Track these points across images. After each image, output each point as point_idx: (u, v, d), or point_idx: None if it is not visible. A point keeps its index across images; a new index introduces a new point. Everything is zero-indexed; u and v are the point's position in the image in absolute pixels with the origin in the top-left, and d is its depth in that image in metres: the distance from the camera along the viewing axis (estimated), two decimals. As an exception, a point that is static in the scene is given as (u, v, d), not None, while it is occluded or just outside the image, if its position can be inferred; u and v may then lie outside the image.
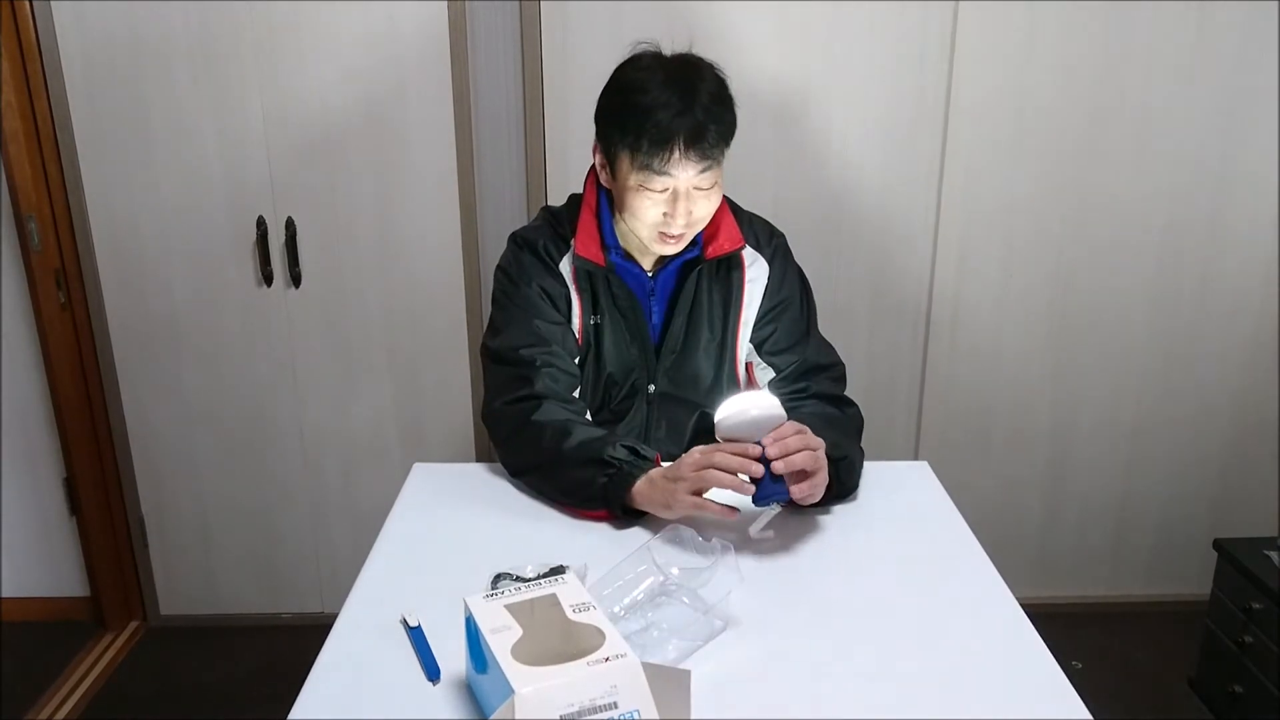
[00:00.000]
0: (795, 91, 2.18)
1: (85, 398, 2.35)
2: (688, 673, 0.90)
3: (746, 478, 1.22)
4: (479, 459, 2.40)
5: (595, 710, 0.85)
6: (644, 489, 1.28)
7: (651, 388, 1.53)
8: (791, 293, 1.55)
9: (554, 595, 0.97)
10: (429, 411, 2.38)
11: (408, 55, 2.13)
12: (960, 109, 2.19)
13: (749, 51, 2.14)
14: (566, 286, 1.49)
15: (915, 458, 2.42)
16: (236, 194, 2.22)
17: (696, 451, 1.26)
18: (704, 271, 1.49)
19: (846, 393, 1.55)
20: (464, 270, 2.27)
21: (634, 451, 1.33)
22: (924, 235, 2.29)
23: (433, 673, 1.02)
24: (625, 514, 1.32)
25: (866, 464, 1.45)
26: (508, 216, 2.24)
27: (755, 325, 1.54)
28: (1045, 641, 1.09)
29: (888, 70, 2.17)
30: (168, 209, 2.22)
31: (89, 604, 2.53)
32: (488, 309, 2.31)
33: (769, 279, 1.53)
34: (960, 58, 2.16)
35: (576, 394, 1.48)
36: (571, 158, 2.21)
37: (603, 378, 1.52)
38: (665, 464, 1.32)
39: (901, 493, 1.44)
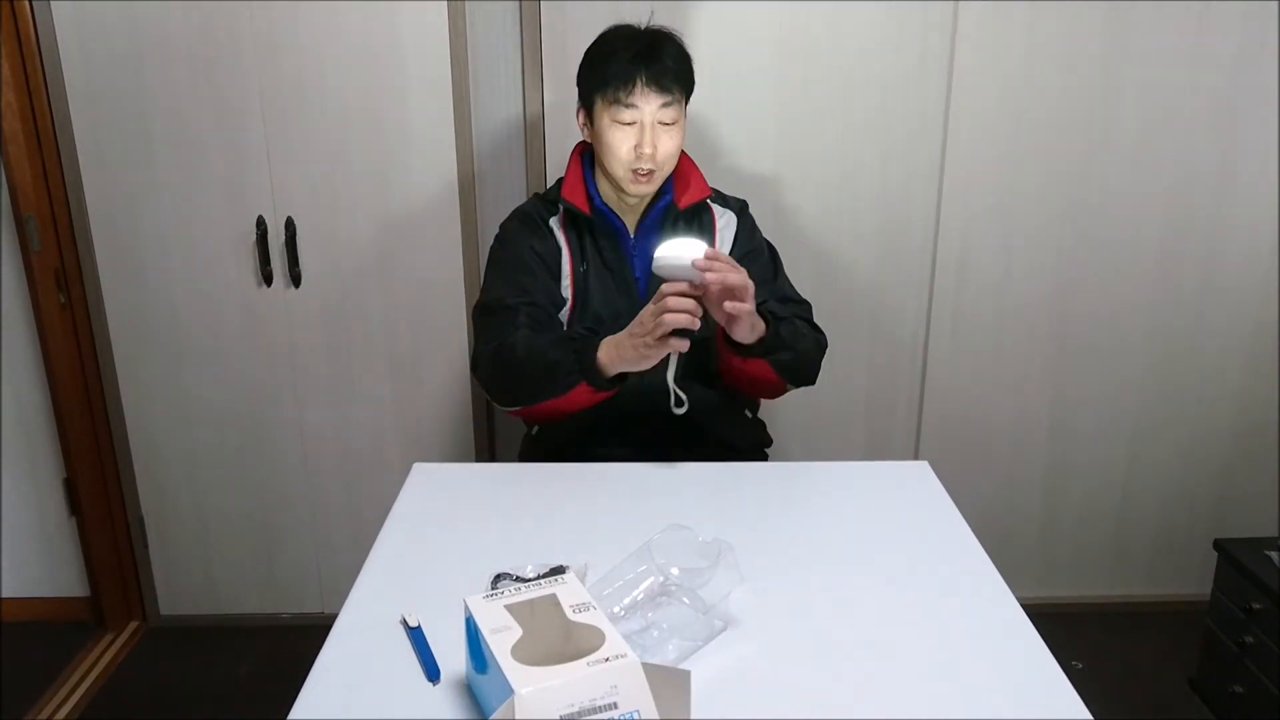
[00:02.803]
0: (795, 92, 2.18)
1: (85, 398, 2.35)
2: (688, 673, 0.90)
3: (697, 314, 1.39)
4: (479, 459, 2.40)
5: (595, 710, 0.85)
6: (610, 351, 1.46)
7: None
8: (759, 245, 1.75)
9: (554, 595, 0.97)
10: (429, 411, 2.38)
11: (408, 55, 2.13)
12: (960, 109, 2.19)
13: (748, 52, 2.14)
14: (556, 240, 1.68)
15: (915, 458, 2.42)
16: (236, 194, 2.22)
17: (649, 306, 1.42)
18: (680, 220, 1.69)
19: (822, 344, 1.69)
20: (464, 270, 2.27)
21: (592, 330, 1.53)
22: (924, 236, 2.29)
23: (433, 673, 1.02)
24: (605, 383, 1.48)
25: (866, 464, 1.46)
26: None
27: None
28: (1045, 641, 1.09)
29: (888, 70, 2.17)
30: (168, 209, 2.22)
31: (89, 604, 2.53)
32: (488, 309, 2.33)
33: (738, 229, 1.74)
34: (960, 58, 2.16)
35: None
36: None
37: (588, 324, 1.63)
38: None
39: (901, 493, 1.44)
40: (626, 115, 1.56)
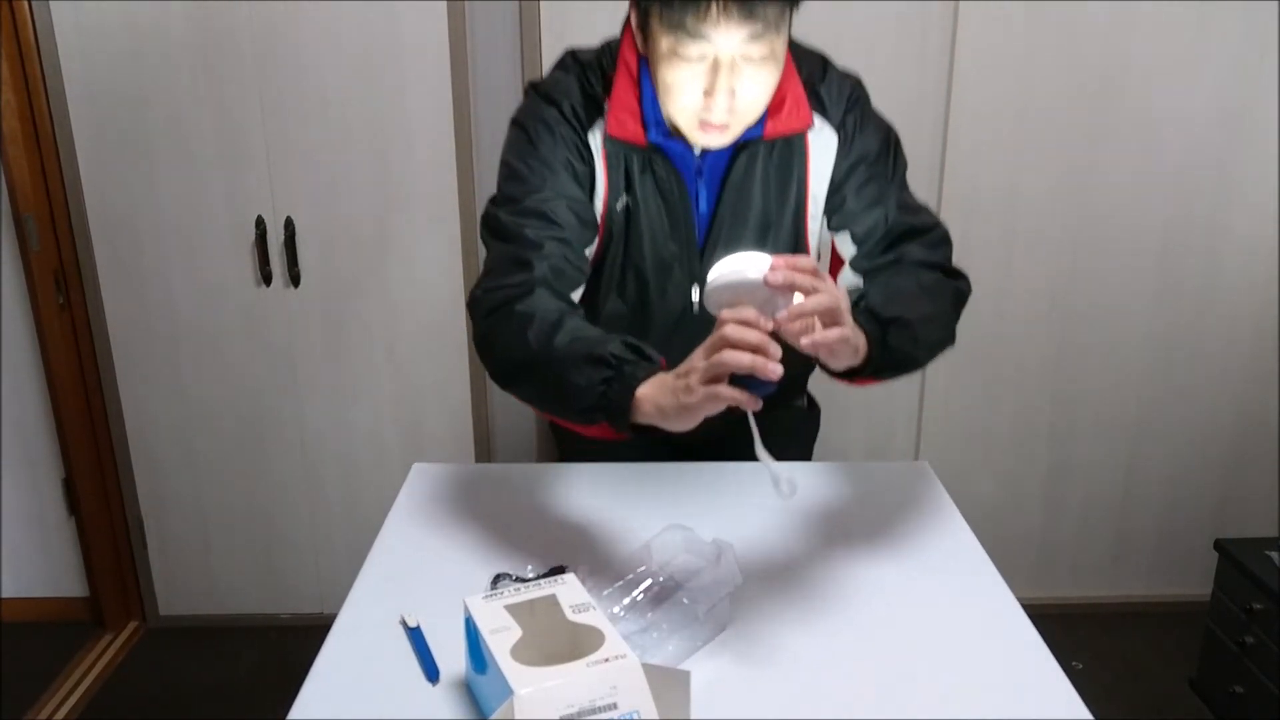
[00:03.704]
0: (795, 91, 2.18)
1: (85, 398, 2.35)
2: (688, 673, 0.90)
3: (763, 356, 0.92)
4: (479, 459, 2.40)
5: (595, 711, 0.85)
6: (651, 392, 1.00)
7: (696, 293, 1.28)
8: (867, 148, 1.28)
9: (554, 595, 0.97)
10: (429, 411, 2.38)
11: (408, 55, 2.13)
12: (960, 109, 2.19)
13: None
14: (592, 161, 1.25)
15: (915, 458, 2.42)
16: (236, 193, 2.22)
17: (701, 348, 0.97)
18: (760, 149, 1.25)
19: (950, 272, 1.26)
20: (464, 270, 2.27)
21: (637, 350, 1.05)
22: (924, 235, 2.29)
23: (432, 673, 1.02)
24: (628, 429, 1.05)
25: (866, 464, 1.45)
26: (507, 216, 2.24)
27: (826, 202, 1.29)
28: (1045, 641, 1.09)
29: (888, 70, 2.17)
30: (167, 209, 2.22)
31: (89, 604, 2.52)
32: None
33: (838, 144, 1.28)
34: (960, 58, 2.16)
35: (577, 297, 1.22)
36: (571, 158, 2.21)
37: (628, 276, 1.28)
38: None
39: (901, 493, 1.44)
40: (693, 49, 1.09)
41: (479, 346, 1.21)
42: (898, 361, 1.12)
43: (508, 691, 0.84)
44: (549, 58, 2.15)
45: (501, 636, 0.90)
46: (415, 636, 1.07)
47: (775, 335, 0.95)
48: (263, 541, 2.48)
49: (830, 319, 0.97)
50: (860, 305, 1.11)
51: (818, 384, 1.51)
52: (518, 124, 1.29)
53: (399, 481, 1.47)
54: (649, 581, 1.10)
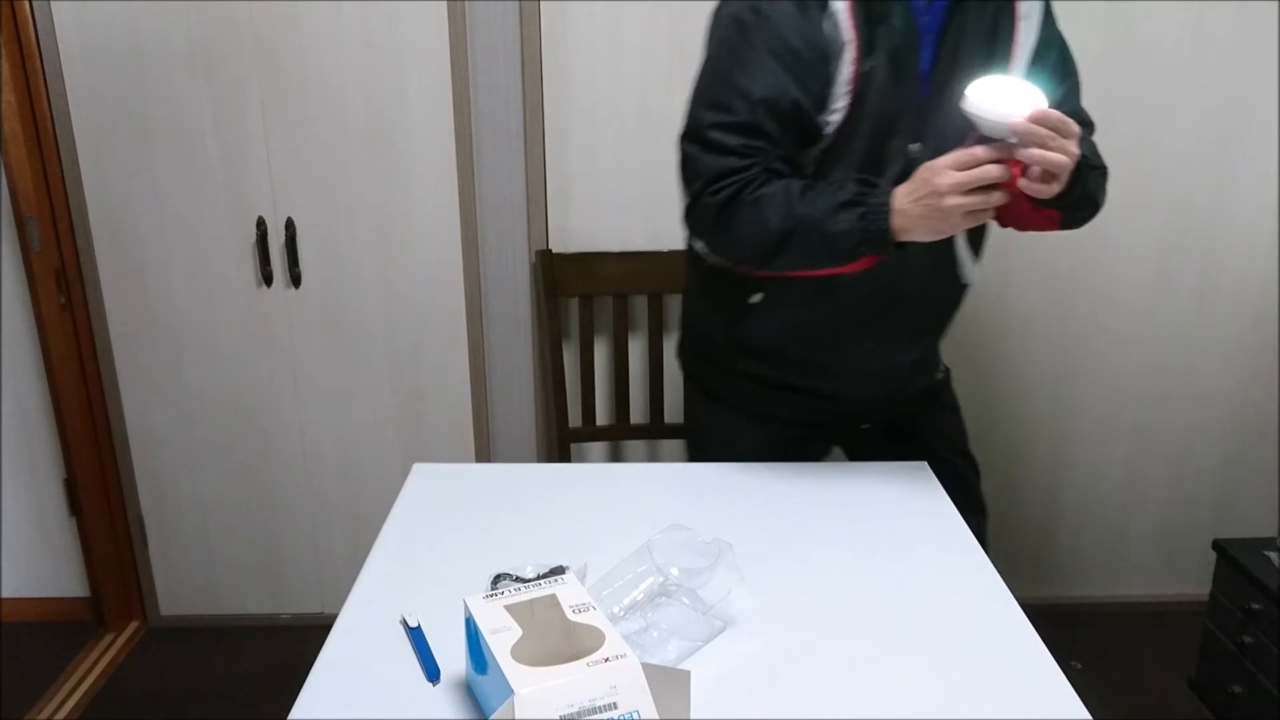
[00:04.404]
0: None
1: (85, 398, 2.35)
2: (688, 673, 0.90)
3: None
4: (479, 459, 2.40)
5: (595, 710, 0.85)
6: (906, 207, 1.17)
7: (915, 146, 1.30)
8: (1056, 31, 1.38)
9: (554, 595, 0.97)
10: (429, 411, 2.38)
11: (408, 55, 2.13)
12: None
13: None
14: (837, 23, 1.22)
15: (915, 458, 2.42)
16: (236, 194, 2.22)
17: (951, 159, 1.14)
18: (971, 7, 1.28)
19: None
20: (464, 270, 2.27)
21: (866, 183, 1.23)
22: (924, 235, 2.29)
23: (433, 673, 1.02)
24: (893, 250, 1.21)
25: (866, 464, 1.45)
26: (507, 216, 2.25)
27: (1028, 68, 1.34)
28: (1045, 641, 1.09)
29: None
30: (168, 209, 2.23)
31: (89, 604, 2.53)
32: (488, 309, 2.34)
33: (1041, 14, 1.34)
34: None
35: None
36: (571, 158, 2.21)
37: (859, 142, 1.28)
38: None
39: (901, 493, 1.44)
40: None
41: (720, 248, 1.34)
42: (1083, 206, 1.28)
43: (508, 691, 0.84)
44: (549, 58, 2.15)
45: (502, 636, 0.91)
46: (415, 636, 1.07)
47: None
48: (263, 541, 2.48)
49: (1063, 168, 1.12)
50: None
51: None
52: (732, 19, 1.26)
53: (399, 481, 1.47)
54: (649, 581, 1.10)
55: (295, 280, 2.28)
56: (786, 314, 1.42)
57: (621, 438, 2.33)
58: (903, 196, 1.18)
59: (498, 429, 2.42)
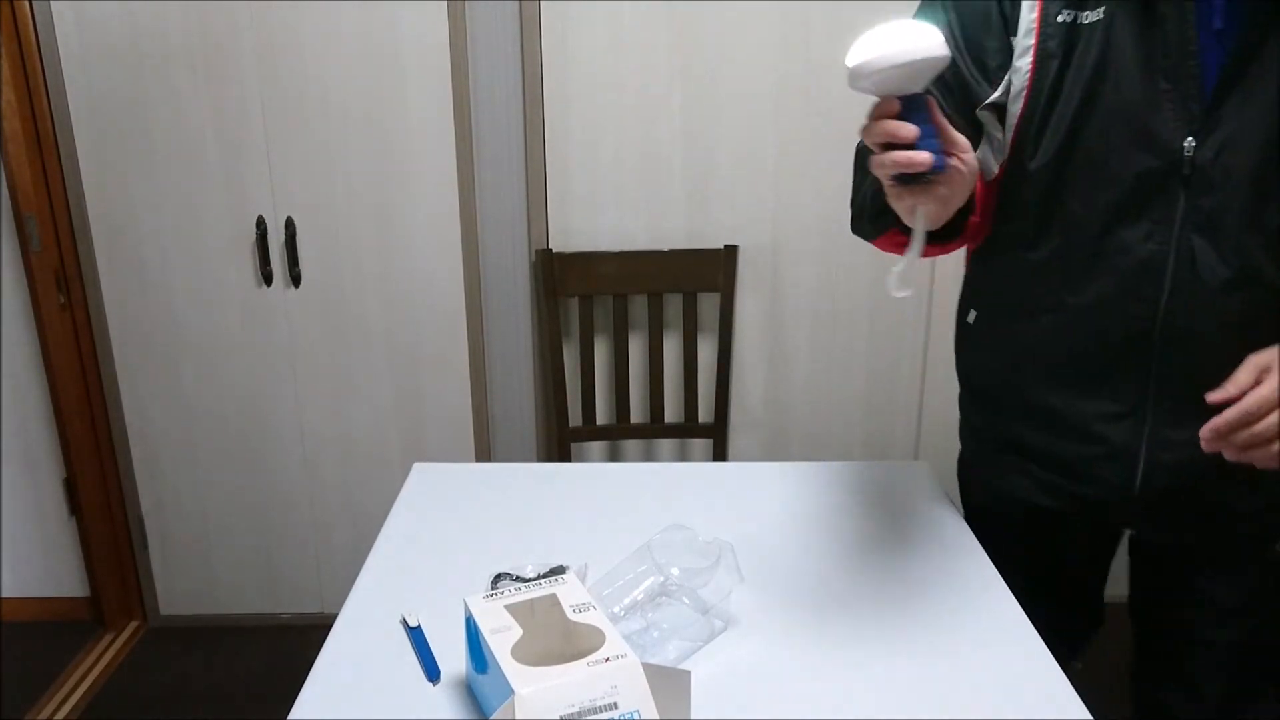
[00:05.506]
0: (796, 93, 2.18)
1: (85, 398, 2.35)
2: (688, 673, 0.90)
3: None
4: (479, 458, 2.40)
5: (595, 710, 0.85)
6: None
7: (1189, 147, 0.90)
8: None
9: (554, 595, 0.97)
10: (429, 411, 2.38)
11: (408, 55, 2.13)
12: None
13: (749, 53, 2.14)
14: None
15: (915, 458, 2.42)
16: (236, 193, 2.22)
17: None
18: None
19: None
20: (464, 270, 2.27)
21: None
22: (924, 235, 2.29)
23: (433, 673, 1.02)
24: (891, 224, 1.02)
25: (866, 464, 1.45)
26: (508, 216, 2.25)
27: None
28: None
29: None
30: (168, 209, 2.23)
31: (89, 604, 2.53)
32: (488, 309, 2.34)
33: None
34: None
35: None
36: (572, 158, 2.21)
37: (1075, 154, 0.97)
38: None
39: (901, 493, 1.44)
40: None
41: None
42: None
43: (508, 691, 0.84)
44: (549, 58, 2.15)
45: (502, 636, 0.91)
46: (416, 636, 1.07)
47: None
48: (263, 541, 2.48)
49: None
50: None
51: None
52: None
53: (399, 481, 1.47)
54: (649, 581, 1.10)
55: (295, 280, 2.28)
56: (1004, 339, 1.09)
57: (621, 438, 2.33)
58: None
59: (498, 428, 2.42)
